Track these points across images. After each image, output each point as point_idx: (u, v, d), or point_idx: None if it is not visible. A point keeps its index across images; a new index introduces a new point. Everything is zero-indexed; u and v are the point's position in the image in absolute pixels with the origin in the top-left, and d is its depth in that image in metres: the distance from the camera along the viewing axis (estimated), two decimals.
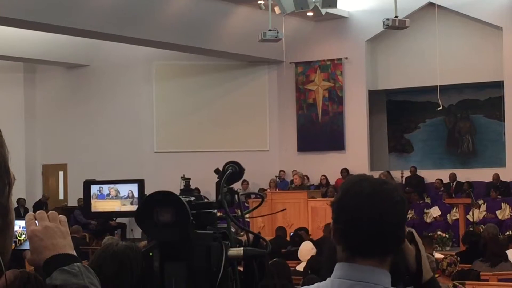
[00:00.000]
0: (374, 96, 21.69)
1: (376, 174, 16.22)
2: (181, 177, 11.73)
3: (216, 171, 2.21)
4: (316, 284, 2.25)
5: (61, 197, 23.98)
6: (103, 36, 18.05)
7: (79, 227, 16.35)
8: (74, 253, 1.93)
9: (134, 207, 2.25)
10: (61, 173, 23.90)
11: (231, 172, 2.18)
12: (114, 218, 19.62)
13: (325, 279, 2.23)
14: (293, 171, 19.56)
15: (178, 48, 19.68)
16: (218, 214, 2.22)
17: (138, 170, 19.95)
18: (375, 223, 2.12)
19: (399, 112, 22.32)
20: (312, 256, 9.93)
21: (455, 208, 17.95)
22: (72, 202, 22.15)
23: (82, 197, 2.37)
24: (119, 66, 22.40)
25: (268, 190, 18.95)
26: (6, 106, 22.67)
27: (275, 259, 8.25)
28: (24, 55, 21.03)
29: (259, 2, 18.69)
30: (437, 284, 2.33)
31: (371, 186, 2.16)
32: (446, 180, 20.06)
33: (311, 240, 12.16)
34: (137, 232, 18.85)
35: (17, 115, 23.05)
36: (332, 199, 2.29)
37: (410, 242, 2.27)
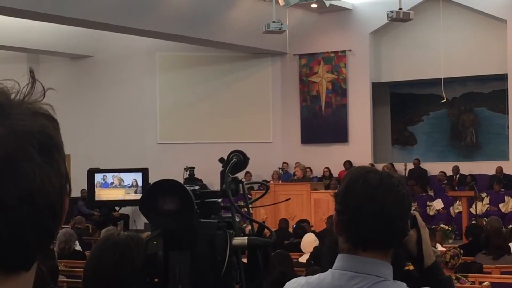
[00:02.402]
0: (378, 89, 21.66)
1: (379, 167, 16.16)
2: (185, 168, 11.70)
3: (221, 160, 2.19)
4: (317, 275, 2.24)
5: None
6: (107, 27, 18.03)
7: (82, 218, 16.38)
8: None
9: (138, 196, 2.23)
10: None
11: (236, 161, 2.17)
12: (117, 209, 19.62)
13: (326, 270, 2.22)
14: (296, 163, 19.55)
15: (182, 39, 19.66)
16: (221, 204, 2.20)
17: (141, 161, 19.91)
18: (380, 215, 2.10)
19: (402, 104, 22.29)
20: (315, 247, 9.93)
21: (458, 201, 17.95)
22: (75, 193, 22.12)
23: (85, 188, 2.35)
24: (123, 57, 22.38)
25: (271, 182, 18.91)
26: None
27: (277, 250, 8.26)
28: (28, 45, 21.00)
29: None
30: (440, 269, 2.29)
31: (378, 178, 2.14)
32: (449, 172, 20.05)
33: (313, 232, 12.16)
34: (140, 223, 18.88)
35: None
36: (336, 190, 2.27)
37: (412, 227, 2.24)
